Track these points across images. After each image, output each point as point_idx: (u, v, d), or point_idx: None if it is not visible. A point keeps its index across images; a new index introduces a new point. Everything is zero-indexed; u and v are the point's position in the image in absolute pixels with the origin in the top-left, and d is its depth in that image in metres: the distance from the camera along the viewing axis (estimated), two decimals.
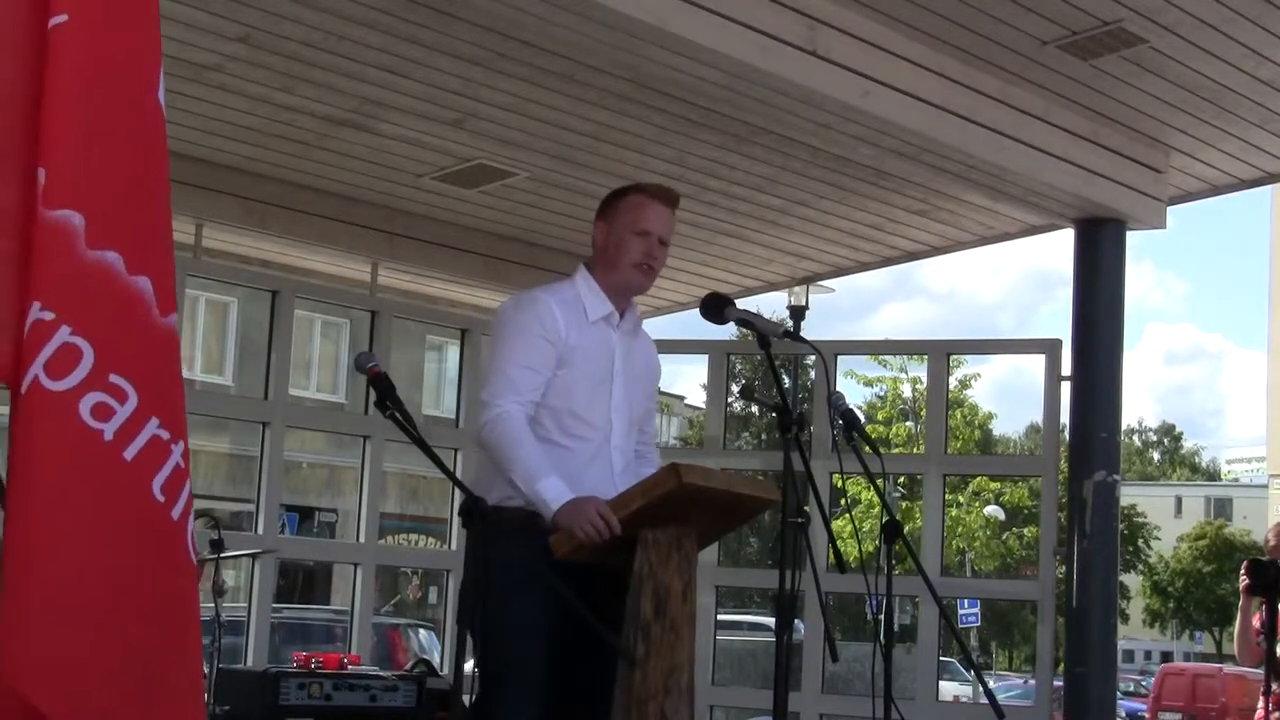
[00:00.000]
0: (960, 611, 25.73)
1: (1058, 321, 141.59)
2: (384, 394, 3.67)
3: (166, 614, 2.84)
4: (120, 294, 2.82)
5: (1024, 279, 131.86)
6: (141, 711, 2.79)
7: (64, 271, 2.76)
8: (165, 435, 2.83)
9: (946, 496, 10.13)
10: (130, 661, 2.78)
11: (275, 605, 9.10)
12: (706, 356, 8.79)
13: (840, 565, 4.34)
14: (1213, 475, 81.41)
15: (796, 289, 15.40)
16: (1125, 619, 47.97)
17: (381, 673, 6.25)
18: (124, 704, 2.77)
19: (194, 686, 2.94)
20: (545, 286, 4.29)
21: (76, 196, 2.78)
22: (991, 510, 31.93)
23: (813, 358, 5.37)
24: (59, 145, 2.79)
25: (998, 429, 48.04)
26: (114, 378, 2.78)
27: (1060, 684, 7.81)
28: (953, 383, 29.05)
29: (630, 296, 4.32)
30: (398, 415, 3.63)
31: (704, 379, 9.00)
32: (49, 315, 2.74)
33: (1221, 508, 66.46)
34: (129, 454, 2.78)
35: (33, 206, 2.77)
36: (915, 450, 23.87)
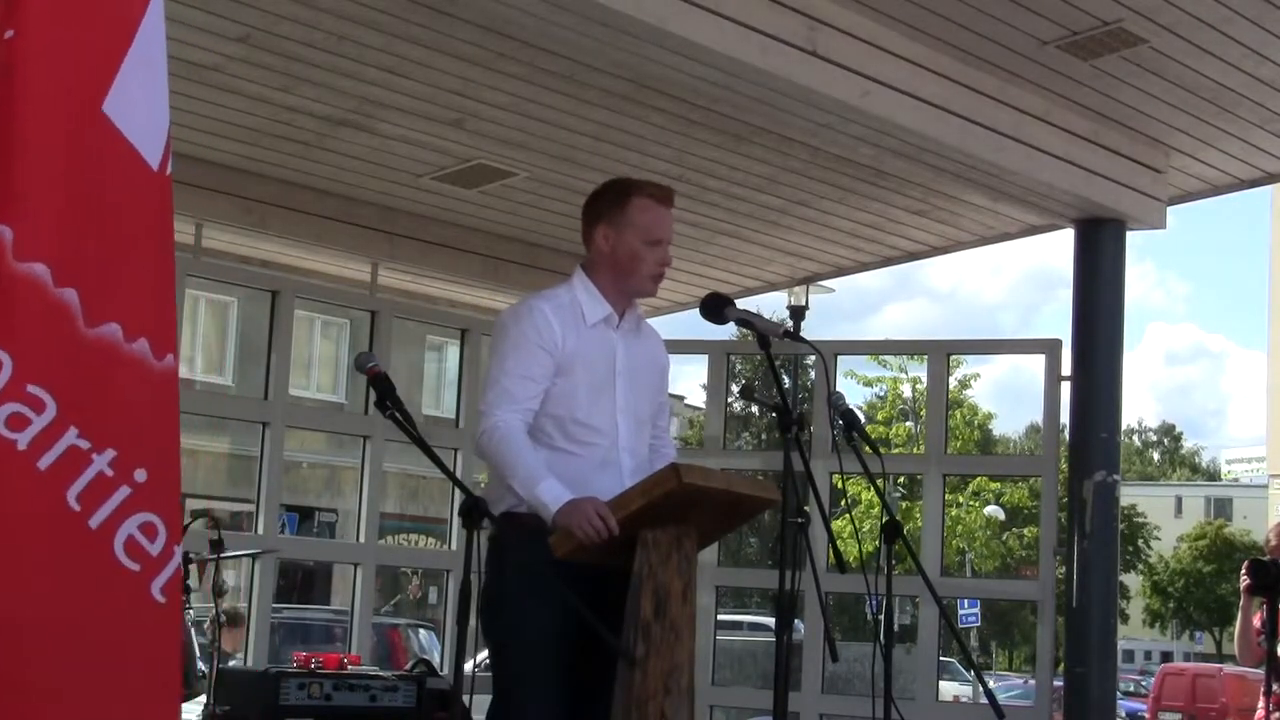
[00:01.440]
0: (960, 611, 25.70)
1: (1061, 321, 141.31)
2: (384, 394, 3.67)
3: (93, 622, 2.87)
4: (45, 305, 2.84)
5: (1026, 279, 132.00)
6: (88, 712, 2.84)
7: None
8: (85, 445, 2.87)
9: (946, 496, 10.12)
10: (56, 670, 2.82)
11: (275, 605, 9.10)
12: (706, 356, 8.77)
13: (840, 565, 4.34)
14: (1213, 475, 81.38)
15: (796, 289, 15.42)
16: (1125, 619, 47.94)
17: (381, 673, 6.24)
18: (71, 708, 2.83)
19: (158, 689, 2.97)
20: (541, 293, 4.27)
21: (5, 209, 2.80)
22: (991, 510, 31.92)
23: (813, 358, 5.37)
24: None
25: (998, 429, 48.08)
26: (31, 388, 2.82)
27: (1060, 684, 7.80)
28: (953, 383, 29.04)
29: (634, 299, 4.31)
30: (398, 415, 3.64)
31: (704, 379, 8.98)
32: None
33: (1221, 508, 66.43)
34: (43, 464, 2.83)
35: None
36: (915, 450, 23.86)
